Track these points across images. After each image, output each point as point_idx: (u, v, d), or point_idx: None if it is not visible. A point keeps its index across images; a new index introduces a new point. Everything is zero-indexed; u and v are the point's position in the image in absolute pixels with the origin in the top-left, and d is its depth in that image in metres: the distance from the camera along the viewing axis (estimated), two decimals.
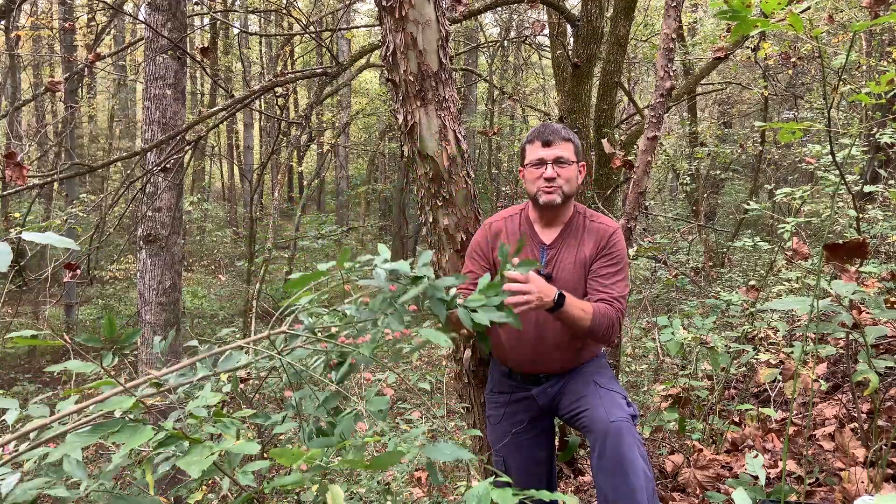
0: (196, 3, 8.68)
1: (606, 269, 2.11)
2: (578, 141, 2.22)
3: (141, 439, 0.88)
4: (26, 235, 1.01)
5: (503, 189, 15.06)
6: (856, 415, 2.81)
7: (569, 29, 5.42)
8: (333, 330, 1.19)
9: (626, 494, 1.85)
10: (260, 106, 10.96)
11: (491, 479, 1.10)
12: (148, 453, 1.10)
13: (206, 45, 14.12)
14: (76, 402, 1.08)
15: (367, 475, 2.73)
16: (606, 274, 2.10)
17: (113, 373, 1.01)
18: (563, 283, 2.12)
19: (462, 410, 2.70)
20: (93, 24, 11.42)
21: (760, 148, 9.37)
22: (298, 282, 1.19)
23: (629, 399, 2.08)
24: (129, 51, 13.79)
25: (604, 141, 3.81)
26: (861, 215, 3.92)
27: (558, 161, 2.13)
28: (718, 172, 10.38)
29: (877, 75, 6.30)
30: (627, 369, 4.71)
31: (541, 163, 2.14)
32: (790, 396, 2.27)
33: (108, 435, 0.90)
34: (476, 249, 2.25)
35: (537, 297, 1.82)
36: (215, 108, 4.79)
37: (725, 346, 3.08)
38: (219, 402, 1.12)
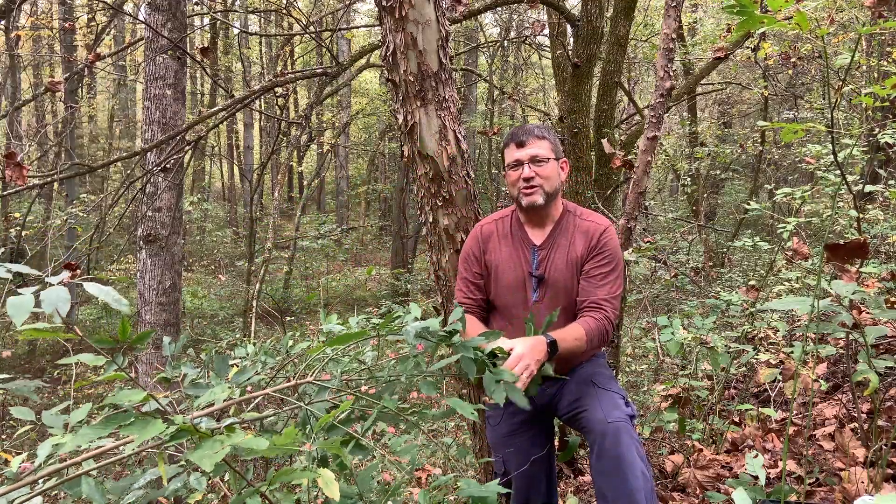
0: (196, 3, 8.69)
1: (598, 269, 2.08)
2: (556, 138, 2.18)
3: (153, 432, 0.89)
4: (88, 287, 1.00)
5: (503, 189, 15.05)
6: (856, 415, 2.81)
7: (569, 29, 5.42)
8: (363, 389, 1.17)
9: (624, 494, 1.85)
10: (260, 106, 10.96)
11: (496, 481, 1.10)
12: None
13: (206, 45, 14.12)
14: (90, 408, 1.08)
15: None
16: (598, 275, 2.08)
17: (115, 371, 1.01)
18: (556, 283, 2.10)
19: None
20: (93, 24, 11.43)
21: (760, 148, 9.37)
22: (339, 340, 1.14)
23: (628, 399, 2.07)
24: (129, 51, 13.80)
25: (604, 141, 3.81)
26: (861, 215, 3.91)
27: (534, 160, 2.10)
28: (718, 172, 10.38)
29: (877, 75, 6.31)
30: (627, 369, 4.71)
31: (517, 164, 2.12)
32: (790, 396, 2.27)
33: (120, 427, 0.91)
34: (469, 254, 2.23)
35: (535, 361, 1.77)
36: (215, 108, 4.79)
37: (725, 346, 3.08)
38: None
